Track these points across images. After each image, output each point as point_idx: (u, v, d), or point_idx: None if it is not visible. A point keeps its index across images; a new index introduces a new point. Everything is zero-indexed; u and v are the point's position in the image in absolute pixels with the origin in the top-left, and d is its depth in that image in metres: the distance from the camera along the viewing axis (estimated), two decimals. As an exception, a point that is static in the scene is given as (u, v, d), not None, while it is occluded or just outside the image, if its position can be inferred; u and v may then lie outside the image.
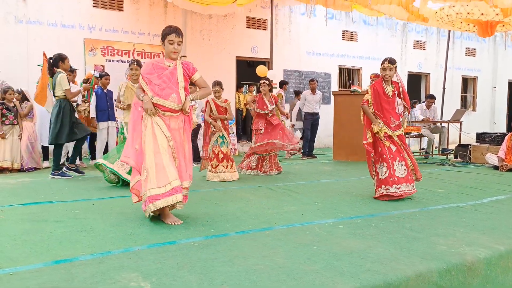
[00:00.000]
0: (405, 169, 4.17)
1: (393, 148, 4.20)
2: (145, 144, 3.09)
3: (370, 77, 8.23)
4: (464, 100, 15.12)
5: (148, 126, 3.10)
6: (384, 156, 4.17)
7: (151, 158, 3.03)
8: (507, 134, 7.12)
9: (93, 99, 6.73)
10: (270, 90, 6.29)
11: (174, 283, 2.02)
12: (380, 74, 4.30)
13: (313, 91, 8.49)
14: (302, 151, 8.57)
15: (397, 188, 4.09)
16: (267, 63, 10.37)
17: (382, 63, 4.28)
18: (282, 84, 8.89)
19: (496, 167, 6.80)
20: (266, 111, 6.05)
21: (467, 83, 15.14)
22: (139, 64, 4.98)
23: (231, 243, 2.67)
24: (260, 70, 8.85)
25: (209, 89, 3.44)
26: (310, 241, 2.71)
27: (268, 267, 2.22)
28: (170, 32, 3.12)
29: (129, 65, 5.09)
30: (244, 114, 11.67)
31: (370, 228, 3.07)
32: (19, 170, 6.24)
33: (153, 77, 3.14)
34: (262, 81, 6.20)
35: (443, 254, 2.48)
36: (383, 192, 4.13)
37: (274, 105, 6.09)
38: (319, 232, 2.94)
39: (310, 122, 8.44)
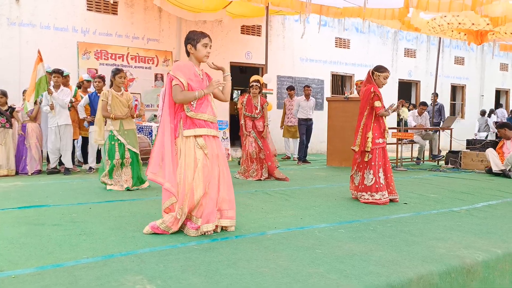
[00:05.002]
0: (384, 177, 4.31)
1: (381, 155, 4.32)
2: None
3: (356, 84, 8.32)
4: (453, 107, 15.38)
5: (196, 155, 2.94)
6: (373, 163, 4.25)
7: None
8: (497, 142, 7.32)
9: (83, 101, 6.68)
10: (259, 93, 6.35)
11: (180, 286, 2.02)
12: (379, 82, 4.32)
13: (307, 97, 8.56)
14: (298, 156, 8.67)
15: (382, 195, 4.21)
16: (262, 69, 10.44)
17: (385, 71, 4.29)
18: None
19: (489, 170, 6.93)
20: (254, 115, 6.14)
21: (456, 91, 15.42)
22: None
23: (233, 246, 2.67)
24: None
25: None
26: (312, 244, 2.73)
27: (272, 270, 2.23)
28: (204, 35, 3.05)
29: (118, 73, 5.03)
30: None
31: (369, 232, 3.10)
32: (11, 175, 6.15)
33: (194, 86, 2.99)
34: (253, 84, 6.25)
35: (442, 257, 2.52)
36: (368, 199, 4.25)
37: (262, 108, 6.20)
38: (319, 235, 2.96)
39: (305, 127, 8.52)
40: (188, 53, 3.11)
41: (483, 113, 13.32)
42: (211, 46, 3.09)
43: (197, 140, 2.95)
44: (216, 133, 3.08)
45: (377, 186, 4.21)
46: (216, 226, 2.97)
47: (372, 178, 4.23)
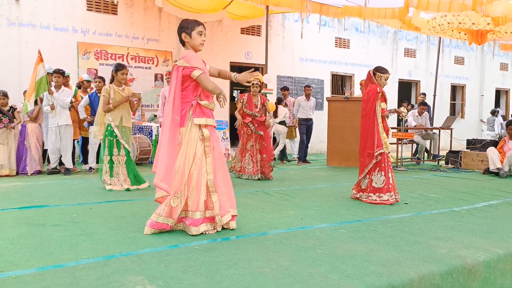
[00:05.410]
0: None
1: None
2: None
3: (360, 84, 8.34)
4: (453, 107, 15.38)
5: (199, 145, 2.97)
6: (383, 165, 4.23)
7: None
8: (498, 142, 7.33)
9: (83, 101, 6.67)
10: (260, 91, 6.32)
11: (181, 286, 2.01)
12: (380, 83, 4.31)
13: (308, 97, 8.55)
14: (298, 156, 8.65)
15: (390, 196, 4.20)
16: (262, 69, 10.43)
17: (386, 72, 4.29)
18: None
19: (487, 169, 6.93)
20: (255, 113, 6.10)
21: (456, 90, 15.42)
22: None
23: (234, 246, 2.67)
24: None
25: None
26: (313, 244, 2.72)
27: (273, 270, 2.23)
28: (199, 23, 3.01)
29: (120, 69, 4.96)
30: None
31: (370, 231, 3.10)
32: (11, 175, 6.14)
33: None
34: (254, 82, 6.21)
35: (443, 257, 2.52)
36: (375, 200, 4.22)
37: (262, 106, 6.17)
38: (320, 236, 2.95)
39: (305, 127, 8.52)
40: (182, 42, 3.05)
41: (493, 112, 13.36)
42: (205, 34, 3.06)
43: (202, 130, 2.96)
44: (215, 123, 3.13)
45: (386, 187, 4.21)
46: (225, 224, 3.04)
47: (383, 180, 4.22)
